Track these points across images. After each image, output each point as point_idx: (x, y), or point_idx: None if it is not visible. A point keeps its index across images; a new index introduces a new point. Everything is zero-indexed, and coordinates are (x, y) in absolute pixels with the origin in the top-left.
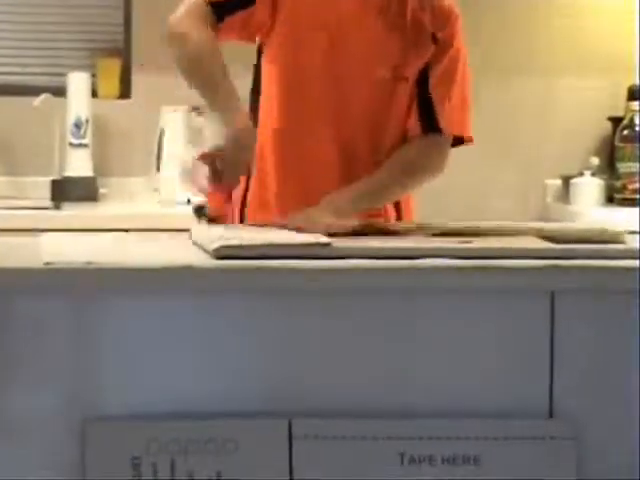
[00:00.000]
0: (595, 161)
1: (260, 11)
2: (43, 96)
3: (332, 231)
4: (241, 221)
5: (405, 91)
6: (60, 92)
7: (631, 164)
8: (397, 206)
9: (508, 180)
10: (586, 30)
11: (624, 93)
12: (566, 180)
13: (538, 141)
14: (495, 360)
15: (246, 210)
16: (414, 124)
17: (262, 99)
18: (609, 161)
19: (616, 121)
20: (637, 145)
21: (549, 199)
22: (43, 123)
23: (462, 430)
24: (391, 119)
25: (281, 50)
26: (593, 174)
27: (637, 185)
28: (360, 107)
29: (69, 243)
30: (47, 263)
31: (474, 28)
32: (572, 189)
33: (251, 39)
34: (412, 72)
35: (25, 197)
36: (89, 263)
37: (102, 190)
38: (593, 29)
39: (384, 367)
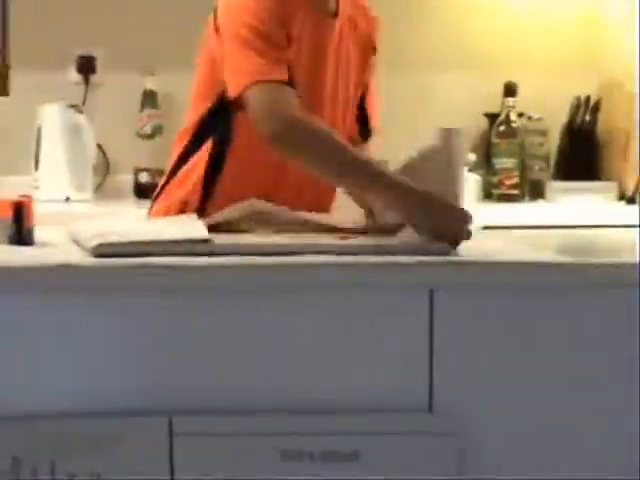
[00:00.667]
0: (472, 157)
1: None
2: None
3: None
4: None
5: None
6: None
7: (507, 160)
8: None
9: None
10: (464, 26)
11: (500, 89)
12: None
13: (415, 136)
14: (374, 355)
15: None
16: (354, 131)
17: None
18: (486, 157)
19: (492, 117)
20: (513, 141)
21: None
22: None
23: (341, 425)
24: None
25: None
26: (470, 170)
27: (514, 181)
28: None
29: None
30: None
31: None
32: None
33: None
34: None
35: None
36: None
37: None
38: (470, 25)
39: (262, 364)
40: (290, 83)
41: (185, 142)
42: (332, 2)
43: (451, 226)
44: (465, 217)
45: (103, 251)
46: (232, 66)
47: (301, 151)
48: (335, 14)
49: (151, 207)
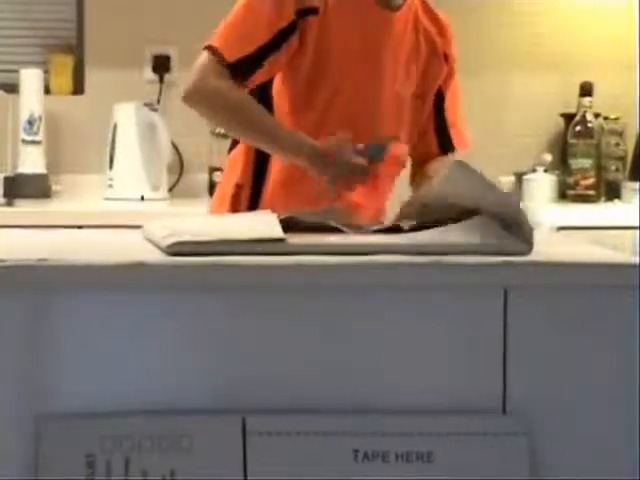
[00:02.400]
0: (548, 157)
1: (287, 52)
2: None
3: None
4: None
5: (421, 109)
6: (13, 89)
7: (583, 160)
8: None
9: None
10: (539, 26)
11: (576, 89)
12: (519, 177)
13: (491, 137)
14: (448, 356)
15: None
16: (434, 146)
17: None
18: (562, 157)
19: (568, 117)
20: (589, 141)
21: None
22: None
23: (415, 426)
24: (405, 132)
25: (324, 67)
26: (546, 170)
27: (590, 181)
28: (383, 119)
29: (21, 240)
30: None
31: None
32: (525, 185)
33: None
34: (430, 93)
35: None
36: (42, 260)
37: (55, 187)
38: (546, 25)
39: (338, 364)
40: (242, 65)
41: None
42: None
43: (342, 166)
44: (345, 150)
45: (178, 250)
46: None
47: (200, 111)
48: (396, 8)
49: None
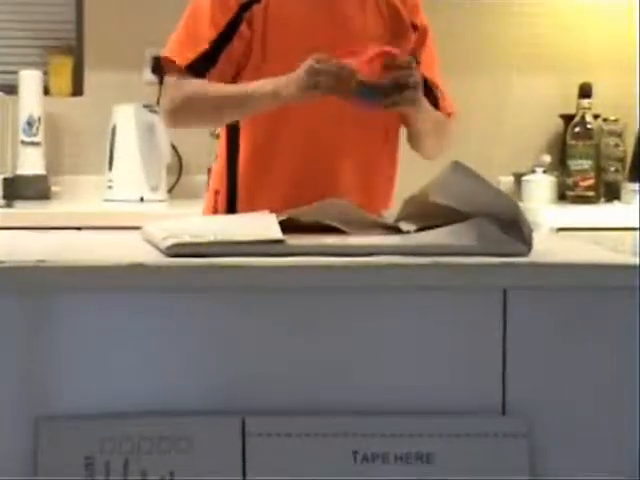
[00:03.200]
0: (547, 158)
1: (239, 43)
2: None
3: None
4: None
5: None
6: (12, 90)
7: (583, 161)
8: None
9: None
10: (538, 27)
11: (575, 90)
12: (518, 177)
13: (490, 138)
14: (448, 357)
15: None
16: None
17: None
18: (561, 158)
19: (567, 118)
20: (589, 142)
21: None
22: None
23: (415, 427)
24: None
25: (277, 50)
26: (545, 171)
27: (589, 182)
28: None
29: (21, 241)
30: None
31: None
32: (524, 186)
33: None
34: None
35: None
36: (41, 261)
37: (54, 188)
38: (545, 26)
39: (337, 365)
40: (199, 63)
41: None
42: None
43: (330, 72)
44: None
45: (177, 251)
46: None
47: (187, 124)
48: None
49: None
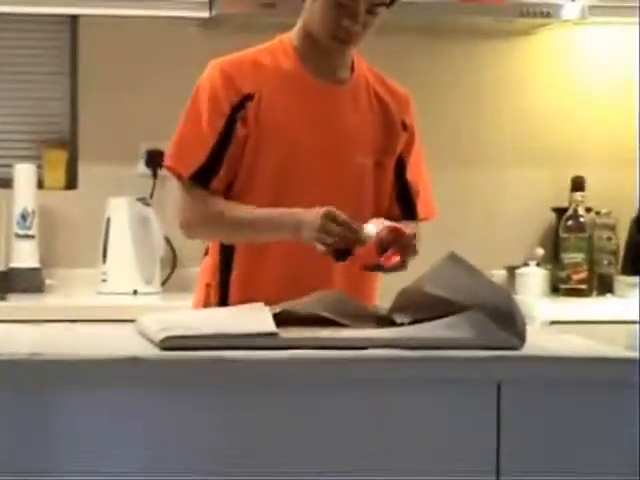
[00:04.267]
0: (540, 251)
1: (236, 142)
2: None
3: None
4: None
5: (383, 177)
6: (6, 183)
7: (575, 254)
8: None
9: None
10: (531, 122)
11: (568, 184)
12: (511, 270)
13: (483, 231)
14: (443, 448)
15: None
16: (395, 211)
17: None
18: (554, 251)
19: (560, 212)
20: (581, 235)
21: None
22: None
23: None
24: (369, 201)
25: (269, 145)
26: (538, 264)
27: (582, 275)
28: (344, 189)
29: (14, 334)
30: None
31: (419, 122)
32: (517, 279)
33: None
34: (390, 160)
35: None
36: (34, 354)
37: (48, 281)
38: (537, 121)
39: (332, 455)
40: (203, 174)
41: None
42: (337, 69)
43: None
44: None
45: (170, 344)
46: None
47: (207, 238)
48: (341, 81)
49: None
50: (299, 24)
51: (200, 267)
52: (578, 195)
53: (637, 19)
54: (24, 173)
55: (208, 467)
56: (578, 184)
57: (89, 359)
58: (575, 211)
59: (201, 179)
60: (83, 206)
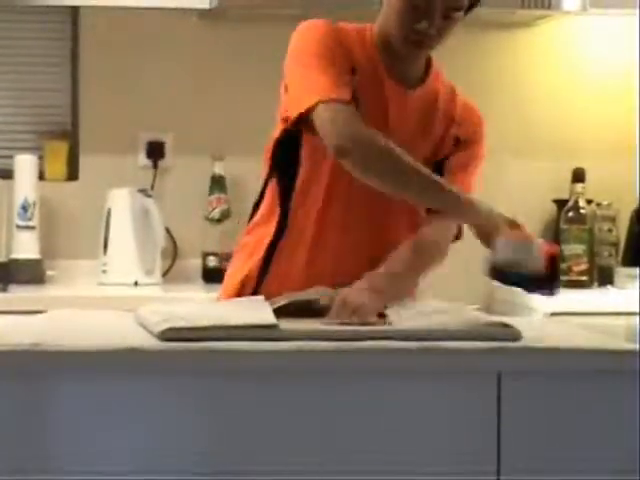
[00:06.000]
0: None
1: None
2: None
3: (357, 320)
4: (256, 289)
5: None
6: (7, 174)
7: (576, 246)
8: None
9: (457, 262)
10: (531, 113)
11: (568, 175)
12: None
13: None
14: (443, 438)
15: (265, 278)
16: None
17: (305, 177)
18: (554, 243)
19: (561, 203)
20: (582, 227)
21: (495, 282)
22: None
23: None
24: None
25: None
26: None
27: (583, 267)
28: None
29: (15, 325)
30: None
31: None
32: None
33: None
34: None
35: None
36: (35, 345)
37: (49, 272)
38: (538, 112)
39: (331, 445)
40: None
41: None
42: (409, 74)
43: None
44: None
45: (171, 336)
46: (294, 90)
47: (371, 169)
48: (410, 86)
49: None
50: (378, 21)
51: (239, 248)
52: (579, 187)
53: (637, 10)
54: (25, 164)
55: (207, 459)
56: (579, 176)
57: (90, 350)
58: (576, 203)
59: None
60: (84, 197)
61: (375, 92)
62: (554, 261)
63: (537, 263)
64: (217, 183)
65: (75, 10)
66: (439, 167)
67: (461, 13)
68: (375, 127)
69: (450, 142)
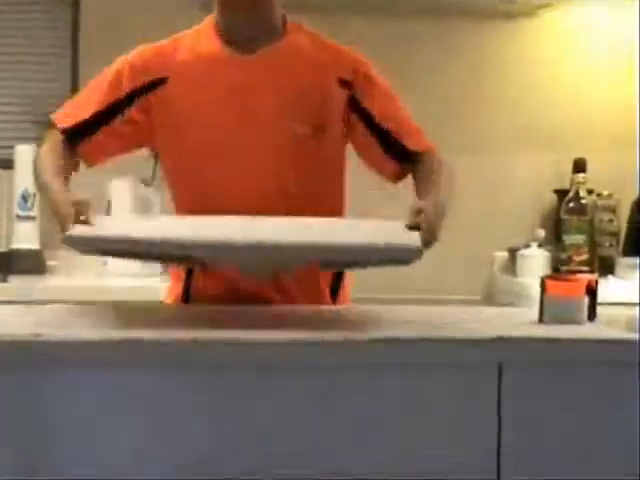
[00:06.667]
0: (541, 233)
1: (123, 124)
2: None
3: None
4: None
5: (320, 141)
6: (7, 164)
7: (577, 236)
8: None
9: (458, 253)
10: (531, 104)
11: (569, 166)
12: (513, 252)
13: (485, 213)
14: (443, 431)
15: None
16: (391, 166)
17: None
18: (555, 233)
19: (562, 193)
20: (583, 217)
21: (496, 271)
22: None
23: None
24: (311, 167)
25: (186, 125)
26: (539, 246)
27: (583, 257)
28: (276, 168)
29: (16, 315)
30: None
31: (422, 104)
32: (519, 261)
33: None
34: (330, 124)
35: None
36: (36, 335)
37: (50, 262)
38: (539, 103)
39: (333, 437)
40: (73, 132)
41: None
42: (254, 39)
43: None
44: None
45: (71, 243)
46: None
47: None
48: (260, 50)
49: None
50: None
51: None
52: (580, 177)
53: (637, 1)
54: (25, 154)
55: (206, 451)
56: (580, 166)
57: (91, 340)
58: (577, 193)
59: (73, 135)
60: (84, 187)
61: (216, 72)
62: (594, 295)
63: (583, 318)
64: None
65: None
66: (367, 116)
67: None
68: (224, 103)
69: (336, 87)
